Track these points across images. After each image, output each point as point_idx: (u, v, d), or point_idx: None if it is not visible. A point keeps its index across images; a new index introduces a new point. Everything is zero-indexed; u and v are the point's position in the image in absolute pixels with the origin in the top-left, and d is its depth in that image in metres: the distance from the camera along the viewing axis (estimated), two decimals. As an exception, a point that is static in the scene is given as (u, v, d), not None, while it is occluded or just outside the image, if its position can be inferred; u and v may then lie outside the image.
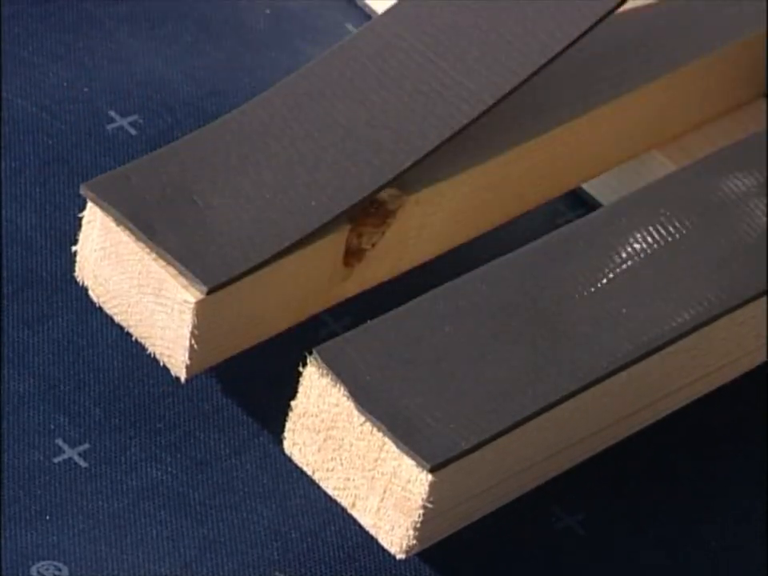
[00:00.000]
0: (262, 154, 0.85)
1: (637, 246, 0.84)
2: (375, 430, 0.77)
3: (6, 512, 0.81)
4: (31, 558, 0.80)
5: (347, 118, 0.86)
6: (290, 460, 0.80)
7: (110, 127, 0.91)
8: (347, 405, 0.78)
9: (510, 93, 0.87)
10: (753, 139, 0.89)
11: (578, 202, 0.92)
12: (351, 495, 0.79)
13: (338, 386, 0.78)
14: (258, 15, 0.96)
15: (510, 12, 0.90)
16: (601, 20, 0.91)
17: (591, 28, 0.90)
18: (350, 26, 0.96)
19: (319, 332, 0.84)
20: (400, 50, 0.88)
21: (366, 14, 0.97)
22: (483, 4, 0.91)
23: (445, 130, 0.85)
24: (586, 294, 0.83)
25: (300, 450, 0.80)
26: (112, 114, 0.91)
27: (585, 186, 0.92)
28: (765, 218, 0.86)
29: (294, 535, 0.83)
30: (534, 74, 0.88)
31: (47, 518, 0.81)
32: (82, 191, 0.81)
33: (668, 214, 0.86)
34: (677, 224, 0.86)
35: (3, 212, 0.88)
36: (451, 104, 0.86)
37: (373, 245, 0.85)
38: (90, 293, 0.83)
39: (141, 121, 0.91)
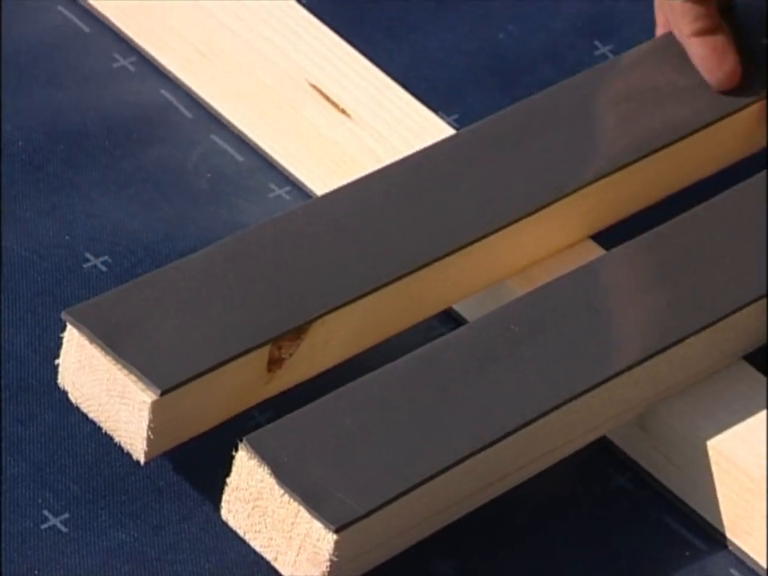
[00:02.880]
0: (206, 289, 0.84)
1: (493, 350, 0.83)
2: (292, 500, 0.76)
3: (3, 569, 0.79)
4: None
5: (275, 270, 0.85)
6: (226, 524, 0.79)
7: (85, 266, 0.90)
8: (270, 481, 0.77)
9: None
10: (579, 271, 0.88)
11: (449, 319, 0.91)
12: (274, 551, 0.78)
13: (262, 466, 0.77)
14: (201, 179, 0.95)
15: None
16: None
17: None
18: (273, 186, 0.96)
19: (248, 423, 0.83)
20: (324, 225, 0.88)
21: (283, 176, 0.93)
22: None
23: (364, 285, 0.85)
24: (454, 390, 0.82)
25: (234, 516, 0.79)
26: (88, 255, 0.91)
27: (454, 306, 0.90)
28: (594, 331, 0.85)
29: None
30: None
31: (36, 572, 0.80)
32: (63, 316, 0.81)
33: (517, 328, 0.84)
34: (523, 336, 0.84)
35: (3, 334, 0.87)
36: (362, 265, 0.86)
37: (290, 355, 0.84)
38: (70, 396, 0.82)
39: (110, 261, 0.91)
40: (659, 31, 1.00)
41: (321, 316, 0.83)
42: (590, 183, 0.90)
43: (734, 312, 0.86)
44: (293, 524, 0.76)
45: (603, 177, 0.91)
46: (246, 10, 0.97)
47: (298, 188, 0.95)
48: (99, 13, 1.00)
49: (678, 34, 0.96)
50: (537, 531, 0.84)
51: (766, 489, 0.82)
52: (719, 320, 0.85)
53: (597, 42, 1.02)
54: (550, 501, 0.85)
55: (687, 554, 0.84)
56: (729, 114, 0.96)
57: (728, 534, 0.84)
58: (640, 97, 0.96)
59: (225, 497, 0.79)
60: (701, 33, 0.95)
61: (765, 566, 0.83)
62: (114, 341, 0.80)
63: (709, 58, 0.96)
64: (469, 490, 0.80)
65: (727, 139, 0.97)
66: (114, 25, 0.99)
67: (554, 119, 0.93)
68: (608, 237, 0.92)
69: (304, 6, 0.98)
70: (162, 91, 0.98)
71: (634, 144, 0.93)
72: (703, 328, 0.85)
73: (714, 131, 0.96)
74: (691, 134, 0.95)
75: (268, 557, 0.78)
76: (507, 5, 1.04)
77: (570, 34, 1.03)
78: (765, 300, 0.87)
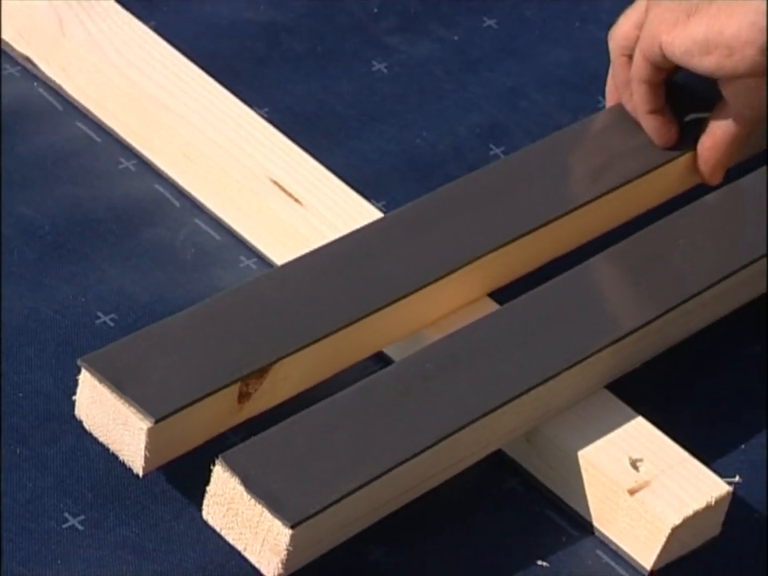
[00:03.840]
0: (191, 339, 0.83)
1: (413, 383, 0.83)
2: (257, 504, 0.76)
3: (32, 559, 0.79)
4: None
5: (244, 324, 0.85)
6: (207, 523, 0.79)
7: (97, 322, 0.90)
8: (240, 489, 0.77)
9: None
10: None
11: (380, 359, 0.90)
12: (244, 543, 0.78)
13: (234, 477, 0.77)
14: (187, 253, 0.95)
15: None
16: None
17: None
18: (242, 258, 0.95)
19: (223, 443, 0.81)
20: (282, 288, 0.88)
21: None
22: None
23: (314, 334, 0.85)
24: (383, 415, 0.82)
25: (212, 516, 0.79)
26: (99, 314, 0.90)
27: (384, 350, 0.90)
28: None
29: (210, 567, 0.81)
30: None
31: (58, 562, 0.79)
32: (79, 362, 0.81)
33: (431, 367, 0.84)
34: (436, 373, 0.84)
35: (33, 375, 0.87)
36: (312, 318, 0.86)
37: (255, 390, 0.83)
38: (84, 424, 0.82)
39: (116, 317, 0.90)
40: (608, 104, 0.99)
41: (279, 359, 0.83)
42: (487, 254, 0.90)
43: (595, 353, 0.86)
44: (258, 522, 0.76)
45: (498, 248, 0.90)
46: (221, 122, 0.97)
47: (262, 260, 0.95)
48: (107, 126, 0.99)
49: (634, 111, 0.96)
50: (449, 523, 0.84)
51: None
52: (582, 360, 0.85)
53: (491, 145, 1.02)
54: (458, 500, 0.85)
55: (564, 539, 0.84)
56: (667, 162, 0.97)
57: (595, 523, 0.85)
58: (581, 161, 0.96)
59: (205, 501, 0.78)
60: (653, 112, 0.95)
61: (622, 546, 0.84)
62: (118, 381, 0.79)
63: (658, 128, 0.96)
64: (395, 492, 0.80)
65: (643, 193, 0.97)
66: (118, 135, 0.99)
67: (462, 203, 0.92)
68: (505, 292, 0.92)
69: (266, 118, 0.98)
70: (156, 186, 0.98)
71: (531, 216, 0.92)
72: (570, 367, 0.85)
73: (637, 184, 0.96)
74: (604, 194, 0.95)
75: (239, 547, 0.78)
76: (422, 117, 1.04)
77: (470, 138, 1.03)
78: (619, 343, 0.87)
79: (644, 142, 0.96)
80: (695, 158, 0.97)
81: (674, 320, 0.90)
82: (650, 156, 0.97)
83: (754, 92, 0.90)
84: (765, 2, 0.84)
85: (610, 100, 0.99)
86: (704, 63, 0.88)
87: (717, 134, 0.95)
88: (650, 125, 0.96)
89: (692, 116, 0.98)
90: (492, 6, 1.10)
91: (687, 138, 0.97)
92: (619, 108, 0.97)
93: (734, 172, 0.98)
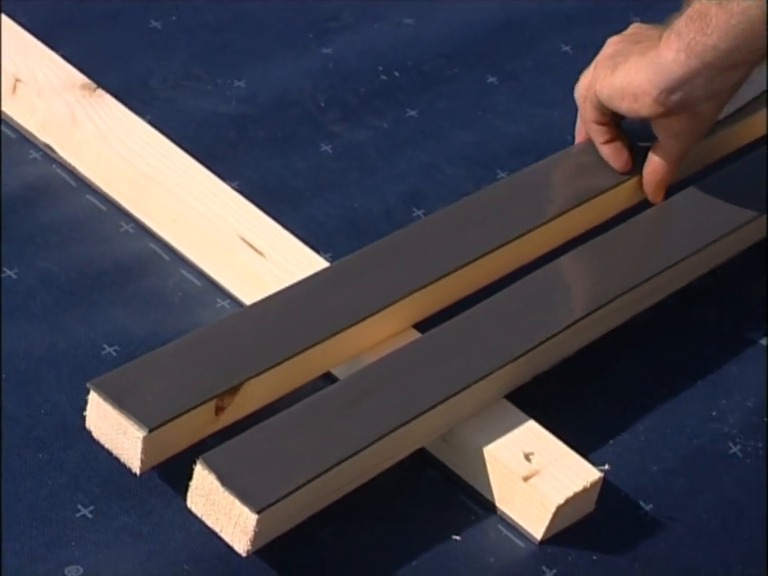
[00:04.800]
0: (176, 364, 0.82)
1: (354, 396, 0.83)
2: (230, 495, 0.76)
3: (52, 542, 0.79)
4: (62, 562, 0.78)
5: (219, 351, 0.84)
6: (191, 510, 0.78)
7: (103, 353, 0.89)
8: (216, 483, 0.76)
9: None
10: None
11: (328, 378, 0.89)
12: (220, 526, 0.77)
13: (212, 474, 0.76)
14: (175, 296, 0.94)
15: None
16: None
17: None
18: (219, 300, 0.94)
19: (204, 446, 0.80)
20: (250, 322, 0.87)
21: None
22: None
23: (275, 358, 0.84)
24: (330, 422, 0.81)
25: (195, 505, 0.78)
26: (105, 346, 0.89)
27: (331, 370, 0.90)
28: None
29: (193, 546, 0.80)
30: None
31: (73, 543, 0.79)
32: (88, 385, 0.80)
33: (368, 384, 0.84)
34: (372, 388, 0.83)
35: (52, 395, 0.86)
36: (273, 346, 0.85)
37: (229, 404, 0.82)
38: (93, 434, 0.81)
39: (119, 349, 0.89)
40: (578, 140, 0.99)
41: (248, 380, 0.82)
42: (410, 294, 0.89)
43: (495, 371, 0.86)
44: (230, 509, 0.76)
45: (418, 289, 0.90)
46: (201, 193, 0.96)
47: (234, 301, 0.94)
48: (111, 198, 0.99)
49: (594, 141, 0.97)
50: (383, 507, 0.84)
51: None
52: (485, 377, 0.85)
53: (414, 208, 1.02)
54: (390, 488, 0.84)
55: (473, 517, 0.84)
56: (619, 184, 0.97)
57: (497, 504, 0.85)
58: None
59: (189, 493, 0.78)
60: (607, 142, 0.96)
61: (518, 521, 0.83)
62: (119, 399, 0.79)
63: (612, 155, 0.96)
64: (340, 483, 0.80)
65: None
66: (120, 205, 0.99)
67: (391, 253, 0.92)
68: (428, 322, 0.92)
69: (237, 190, 0.97)
70: (150, 244, 0.97)
71: (444, 263, 0.91)
72: (476, 382, 0.84)
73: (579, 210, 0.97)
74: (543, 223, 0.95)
75: (216, 530, 0.77)
76: (360, 188, 1.03)
77: (398, 204, 1.02)
78: (514, 362, 0.87)
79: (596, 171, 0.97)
80: (640, 181, 0.97)
81: (558, 342, 0.90)
82: (600, 179, 0.97)
83: (671, 127, 0.91)
84: (676, 59, 0.84)
85: (579, 137, 0.99)
86: (622, 107, 0.90)
87: (654, 161, 0.95)
88: (605, 153, 0.96)
89: (642, 144, 0.98)
90: (414, 100, 1.10)
91: (639, 163, 0.97)
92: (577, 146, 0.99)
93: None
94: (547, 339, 0.89)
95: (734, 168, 1.03)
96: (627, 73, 0.87)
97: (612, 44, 0.92)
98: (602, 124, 0.94)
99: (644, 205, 0.99)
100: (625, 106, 0.89)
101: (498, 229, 0.94)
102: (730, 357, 0.95)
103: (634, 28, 0.93)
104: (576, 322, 0.90)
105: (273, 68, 1.09)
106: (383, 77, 1.10)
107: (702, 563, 0.83)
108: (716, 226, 0.98)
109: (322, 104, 1.07)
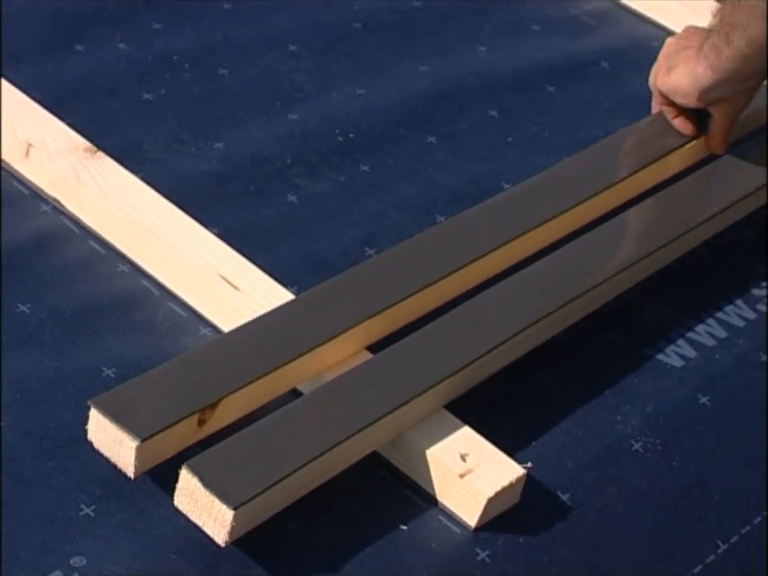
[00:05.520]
0: (165, 383, 0.82)
1: (317, 408, 0.82)
2: (210, 494, 0.76)
3: (60, 537, 0.78)
4: (68, 554, 0.77)
5: (201, 373, 0.83)
6: (177, 508, 0.78)
7: (102, 375, 0.88)
8: (199, 485, 0.76)
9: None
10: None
11: (295, 393, 0.88)
12: (203, 521, 0.77)
13: (195, 477, 0.76)
14: (164, 326, 0.93)
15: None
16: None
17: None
18: (201, 328, 0.93)
19: (189, 454, 0.79)
20: (228, 347, 0.87)
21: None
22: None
23: (249, 377, 0.84)
24: (298, 430, 0.80)
25: (181, 503, 0.78)
26: (104, 369, 0.89)
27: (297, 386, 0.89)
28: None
29: (180, 538, 0.79)
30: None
31: (77, 538, 0.78)
32: (89, 402, 0.80)
33: (328, 399, 0.83)
34: (332, 401, 0.83)
35: (60, 413, 0.86)
36: (247, 368, 0.85)
37: (209, 418, 0.82)
38: (94, 444, 0.81)
39: (116, 371, 0.89)
40: (654, 111, 1.08)
41: (226, 396, 0.82)
42: (363, 321, 0.89)
43: (435, 385, 0.85)
44: (211, 507, 0.76)
45: (369, 317, 0.89)
46: (186, 238, 0.96)
47: (214, 329, 0.94)
48: (110, 243, 0.98)
49: (667, 117, 1.07)
50: (342, 502, 0.83)
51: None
52: (426, 390, 0.85)
53: (366, 248, 1.01)
54: (347, 486, 0.84)
55: (417, 509, 0.84)
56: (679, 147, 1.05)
57: (438, 498, 0.84)
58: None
59: (176, 493, 0.78)
60: (675, 117, 1.06)
61: (456, 512, 0.83)
62: (115, 415, 0.79)
63: (681, 126, 1.06)
64: (305, 482, 0.80)
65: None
66: (118, 249, 0.98)
67: (347, 287, 0.91)
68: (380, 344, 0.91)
69: (217, 235, 0.97)
70: (143, 282, 0.96)
71: (392, 294, 0.91)
72: (419, 395, 0.84)
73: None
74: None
75: (199, 524, 0.77)
76: (321, 232, 1.02)
77: (353, 245, 1.01)
78: (451, 378, 0.86)
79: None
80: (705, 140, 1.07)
81: (489, 360, 0.90)
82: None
83: (716, 110, 1.03)
84: (704, 74, 0.97)
85: (654, 110, 1.08)
86: (676, 99, 1.03)
87: (713, 129, 1.06)
88: (676, 124, 1.06)
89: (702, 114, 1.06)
90: (366, 157, 1.09)
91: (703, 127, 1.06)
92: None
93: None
94: (479, 357, 0.89)
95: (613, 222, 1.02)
96: (677, 77, 1.00)
97: (669, 45, 1.03)
98: (669, 104, 1.05)
99: (556, 246, 0.99)
100: (678, 99, 1.03)
101: (437, 265, 0.95)
102: (631, 371, 0.95)
103: (686, 31, 1.04)
104: (503, 342, 0.90)
105: (247, 132, 1.09)
106: (340, 138, 1.10)
107: (612, 542, 0.83)
108: (619, 261, 0.98)
109: (289, 161, 1.07)
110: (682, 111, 1.04)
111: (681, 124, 1.06)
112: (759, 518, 0.85)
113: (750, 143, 1.09)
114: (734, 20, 0.94)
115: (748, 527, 0.84)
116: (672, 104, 1.04)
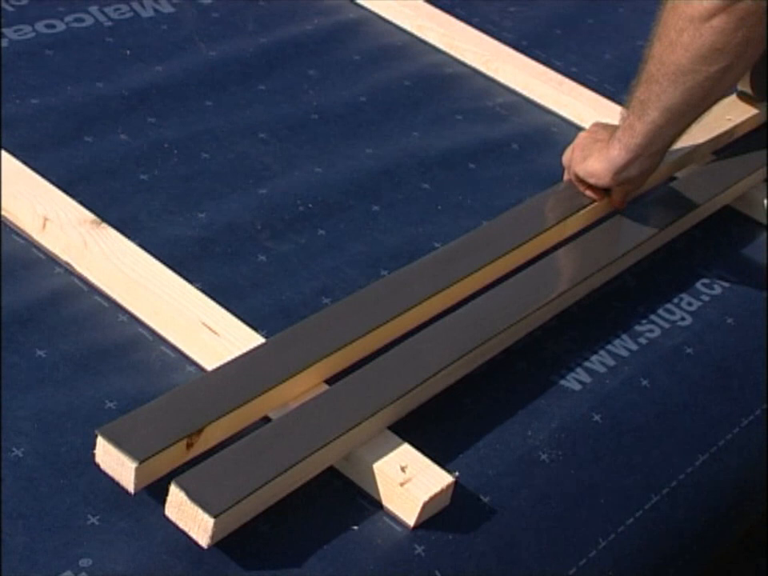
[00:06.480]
0: (157, 415, 0.81)
1: (283, 431, 0.82)
2: (195, 505, 0.76)
3: (70, 543, 0.77)
4: (77, 557, 0.76)
5: (187, 405, 0.83)
6: (168, 517, 0.78)
7: (105, 407, 0.87)
8: (185, 498, 0.76)
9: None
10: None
11: (266, 419, 0.87)
12: (188, 527, 0.77)
13: (182, 491, 0.76)
14: (156, 365, 0.92)
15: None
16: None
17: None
18: (188, 366, 0.92)
19: (176, 472, 0.79)
20: (208, 384, 0.87)
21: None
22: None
23: (227, 408, 0.83)
24: (266, 450, 0.80)
25: (171, 513, 0.78)
26: (107, 402, 0.87)
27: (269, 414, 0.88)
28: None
29: (170, 541, 0.79)
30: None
31: (84, 544, 0.78)
32: (97, 431, 0.80)
33: (292, 422, 0.84)
34: (293, 424, 0.83)
35: (73, 439, 0.84)
36: (223, 400, 0.85)
37: (196, 442, 0.82)
38: (100, 465, 0.80)
39: (117, 404, 0.87)
40: (565, 179, 1.08)
41: (209, 423, 0.82)
42: (320, 359, 0.89)
43: (380, 411, 0.85)
44: (195, 515, 0.76)
45: (326, 356, 0.89)
46: (173, 292, 0.95)
47: (199, 367, 0.93)
48: (112, 298, 0.97)
49: (578, 188, 1.06)
50: (303, 509, 0.82)
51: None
52: (372, 415, 0.85)
53: (323, 298, 1.01)
54: (307, 495, 0.83)
55: (366, 513, 0.83)
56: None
57: (383, 503, 0.84)
58: None
59: (167, 505, 0.78)
60: (585, 189, 1.05)
61: (398, 514, 0.83)
62: (118, 441, 0.78)
63: (590, 195, 1.05)
64: (273, 493, 0.79)
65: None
66: (119, 303, 0.96)
67: (307, 332, 0.90)
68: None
69: (200, 289, 0.96)
70: (139, 329, 0.95)
71: (345, 334, 0.91)
72: (366, 419, 0.84)
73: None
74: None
75: (186, 530, 0.77)
76: (284, 284, 1.01)
77: (311, 296, 1.00)
78: (392, 405, 0.86)
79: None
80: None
81: (424, 388, 0.90)
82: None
83: (623, 187, 1.03)
84: (619, 155, 0.96)
85: (565, 179, 1.08)
86: (590, 181, 1.02)
87: (614, 200, 1.05)
88: (586, 194, 1.05)
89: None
90: (323, 223, 1.08)
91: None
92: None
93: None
94: (416, 386, 0.89)
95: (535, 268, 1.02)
96: (592, 163, 1.00)
97: (581, 138, 1.03)
98: (580, 182, 1.05)
99: (478, 293, 1.00)
100: (593, 181, 1.02)
101: (382, 311, 0.95)
102: (539, 394, 0.96)
103: (595, 126, 1.04)
104: (436, 373, 0.91)
105: (224, 204, 1.08)
106: (301, 208, 1.09)
107: (523, 537, 0.84)
108: (529, 305, 0.99)
109: (259, 227, 1.07)
110: (590, 187, 1.04)
111: (590, 194, 1.05)
112: (631, 519, 0.85)
113: (642, 202, 1.09)
114: (646, 96, 0.89)
115: (622, 527, 0.86)
116: (583, 182, 1.04)
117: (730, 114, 1.17)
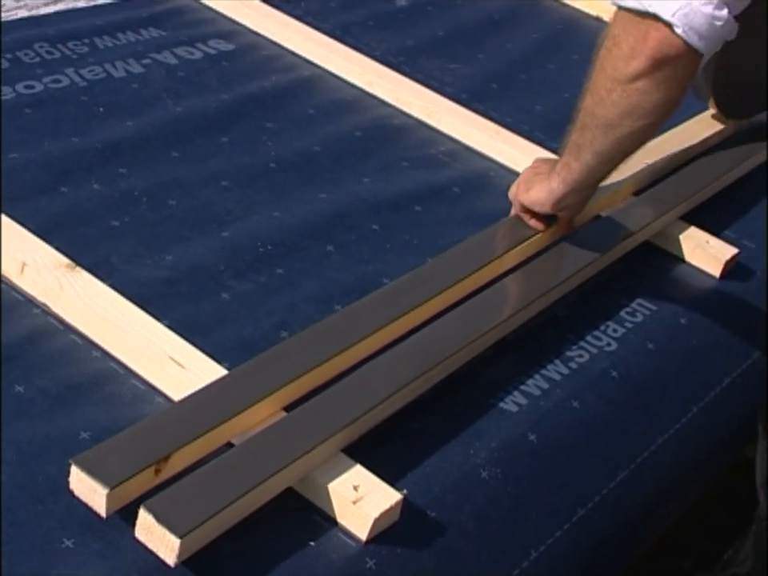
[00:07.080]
0: (128, 444, 0.81)
1: (256, 449, 0.82)
2: (162, 527, 0.76)
3: (46, 565, 0.77)
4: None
5: (157, 433, 0.83)
6: (137, 539, 0.78)
7: (79, 438, 0.86)
8: (153, 521, 0.76)
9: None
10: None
11: (230, 445, 0.87)
12: (156, 547, 0.77)
13: (150, 514, 0.77)
14: (126, 397, 0.91)
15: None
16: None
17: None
18: (157, 398, 0.92)
19: (145, 497, 0.79)
20: (178, 413, 0.86)
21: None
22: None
23: (195, 434, 0.84)
24: (229, 473, 0.80)
25: (141, 534, 0.78)
26: (81, 433, 0.87)
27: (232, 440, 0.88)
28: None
29: (140, 560, 0.78)
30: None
31: (59, 566, 0.77)
32: (71, 460, 0.79)
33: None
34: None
35: (49, 469, 0.84)
36: (191, 427, 0.85)
37: (163, 468, 0.81)
38: (74, 492, 0.80)
39: (91, 434, 0.87)
40: (512, 214, 1.09)
41: (175, 450, 0.82)
42: (278, 389, 0.89)
43: (333, 435, 0.85)
44: (162, 536, 0.76)
45: (283, 386, 0.89)
46: (143, 329, 0.95)
47: (167, 398, 0.92)
48: (88, 337, 0.96)
49: (523, 219, 1.08)
50: (264, 525, 0.80)
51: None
52: (327, 439, 0.85)
53: (282, 332, 1.00)
54: (269, 513, 0.82)
55: (322, 529, 0.83)
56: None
57: (338, 519, 0.84)
58: None
59: (137, 527, 0.78)
60: (530, 218, 1.07)
61: (351, 529, 0.83)
62: (90, 468, 0.78)
63: (535, 225, 1.07)
64: (235, 514, 0.79)
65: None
66: (92, 340, 0.96)
67: (268, 363, 0.91)
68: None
69: (170, 328, 0.96)
70: (111, 364, 0.94)
71: (302, 364, 0.91)
72: (322, 442, 0.84)
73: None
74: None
75: (154, 550, 0.77)
76: (247, 321, 1.01)
77: (271, 330, 0.98)
78: (348, 427, 0.87)
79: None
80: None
81: (374, 414, 0.90)
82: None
83: (565, 214, 1.06)
84: (558, 187, 0.99)
85: (513, 213, 1.09)
86: (534, 209, 1.04)
87: (558, 225, 1.08)
88: (531, 224, 1.07)
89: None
90: (281, 263, 1.08)
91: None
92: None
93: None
94: (367, 411, 0.90)
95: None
96: (536, 193, 1.02)
97: (525, 173, 1.05)
98: (527, 212, 1.07)
99: (424, 324, 1.01)
100: (537, 209, 1.04)
101: (336, 342, 0.95)
102: (480, 416, 0.96)
103: (537, 161, 1.06)
104: (385, 399, 0.91)
105: (190, 247, 1.08)
106: (261, 249, 1.09)
107: (465, 551, 0.84)
108: (469, 335, 1.00)
109: (222, 268, 1.07)
110: (535, 215, 1.07)
111: (535, 224, 1.07)
112: (559, 532, 0.86)
113: (571, 239, 1.10)
114: (581, 141, 0.92)
115: (551, 539, 0.85)
116: (528, 211, 1.06)
117: (647, 158, 1.21)
